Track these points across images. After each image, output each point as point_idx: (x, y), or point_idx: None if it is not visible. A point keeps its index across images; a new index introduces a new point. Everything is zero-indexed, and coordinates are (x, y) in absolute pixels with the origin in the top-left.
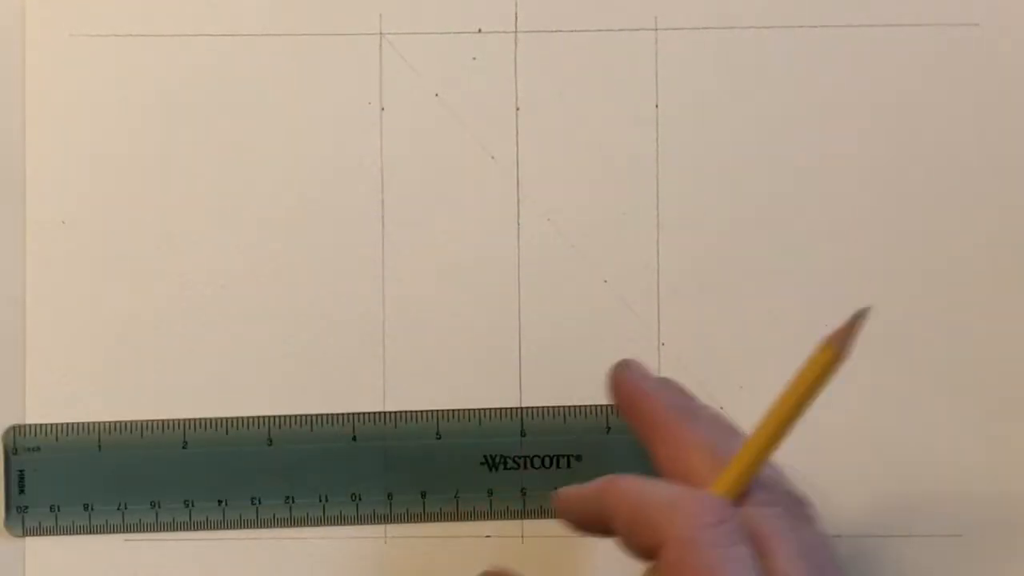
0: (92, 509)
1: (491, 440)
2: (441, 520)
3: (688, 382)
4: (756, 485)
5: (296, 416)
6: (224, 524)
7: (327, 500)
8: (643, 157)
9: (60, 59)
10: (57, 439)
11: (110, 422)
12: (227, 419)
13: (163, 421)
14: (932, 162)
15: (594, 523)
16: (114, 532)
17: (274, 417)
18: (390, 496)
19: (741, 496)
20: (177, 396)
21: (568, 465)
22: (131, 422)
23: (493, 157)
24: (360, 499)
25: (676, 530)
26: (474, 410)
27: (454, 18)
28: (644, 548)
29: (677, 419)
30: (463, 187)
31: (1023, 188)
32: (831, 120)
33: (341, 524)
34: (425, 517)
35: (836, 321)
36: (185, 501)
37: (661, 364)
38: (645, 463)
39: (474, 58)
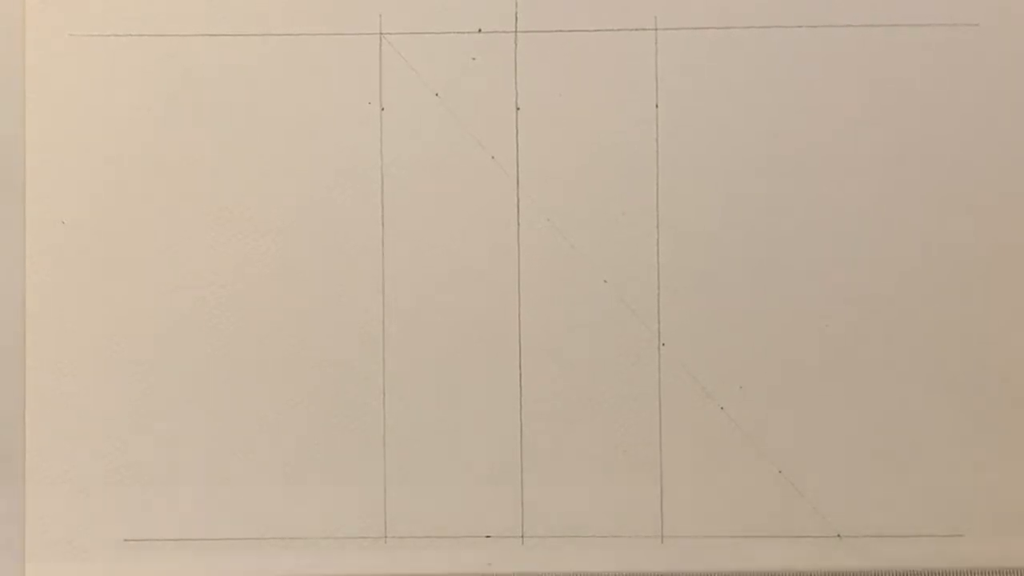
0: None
1: None
2: None
3: (688, 382)
4: None
5: None
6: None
7: None
8: (643, 157)
9: (60, 59)
10: None
11: None
12: None
13: None
14: (932, 162)
15: None
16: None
17: None
18: None
19: None
20: (176, 394)
21: None
22: None
23: (493, 157)
24: None
25: None
26: None
27: (454, 18)
28: None
29: None
30: (463, 187)
31: (1023, 188)
32: (831, 120)
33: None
34: None
35: (836, 321)
36: None
37: (661, 364)
38: None
39: (474, 58)
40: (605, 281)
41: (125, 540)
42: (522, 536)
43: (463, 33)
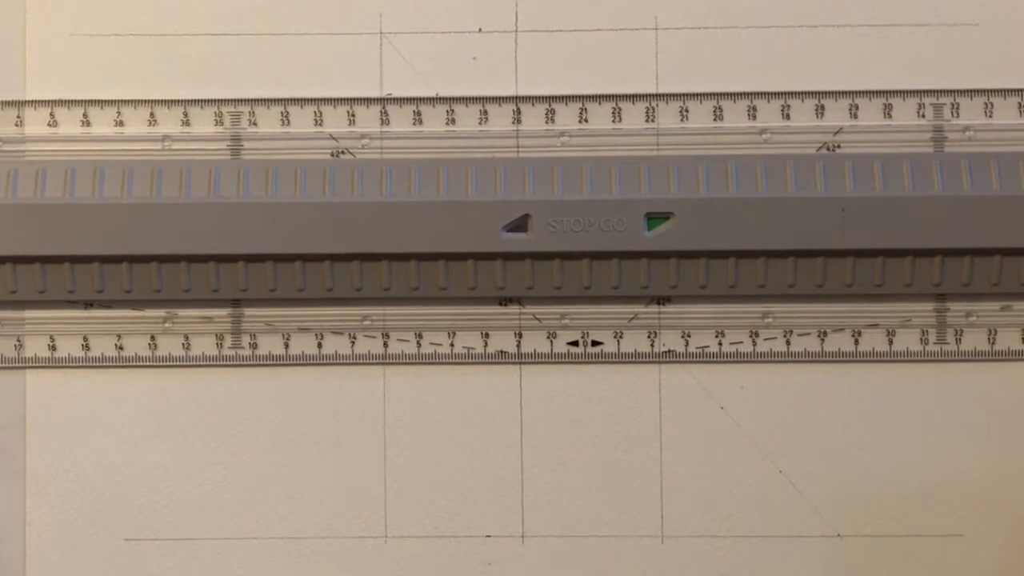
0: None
1: None
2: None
3: (688, 382)
4: None
5: None
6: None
7: None
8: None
9: (60, 59)
10: None
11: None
12: None
13: None
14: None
15: None
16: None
17: None
18: None
19: None
20: (176, 394)
21: None
22: None
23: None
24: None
25: None
26: None
27: (454, 18)
28: None
29: None
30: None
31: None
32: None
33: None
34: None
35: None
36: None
37: (661, 364)
38: None
39: (474, 58)
40: None
41: (125, 540)
42: (522, 536)
43: (463, 33)
